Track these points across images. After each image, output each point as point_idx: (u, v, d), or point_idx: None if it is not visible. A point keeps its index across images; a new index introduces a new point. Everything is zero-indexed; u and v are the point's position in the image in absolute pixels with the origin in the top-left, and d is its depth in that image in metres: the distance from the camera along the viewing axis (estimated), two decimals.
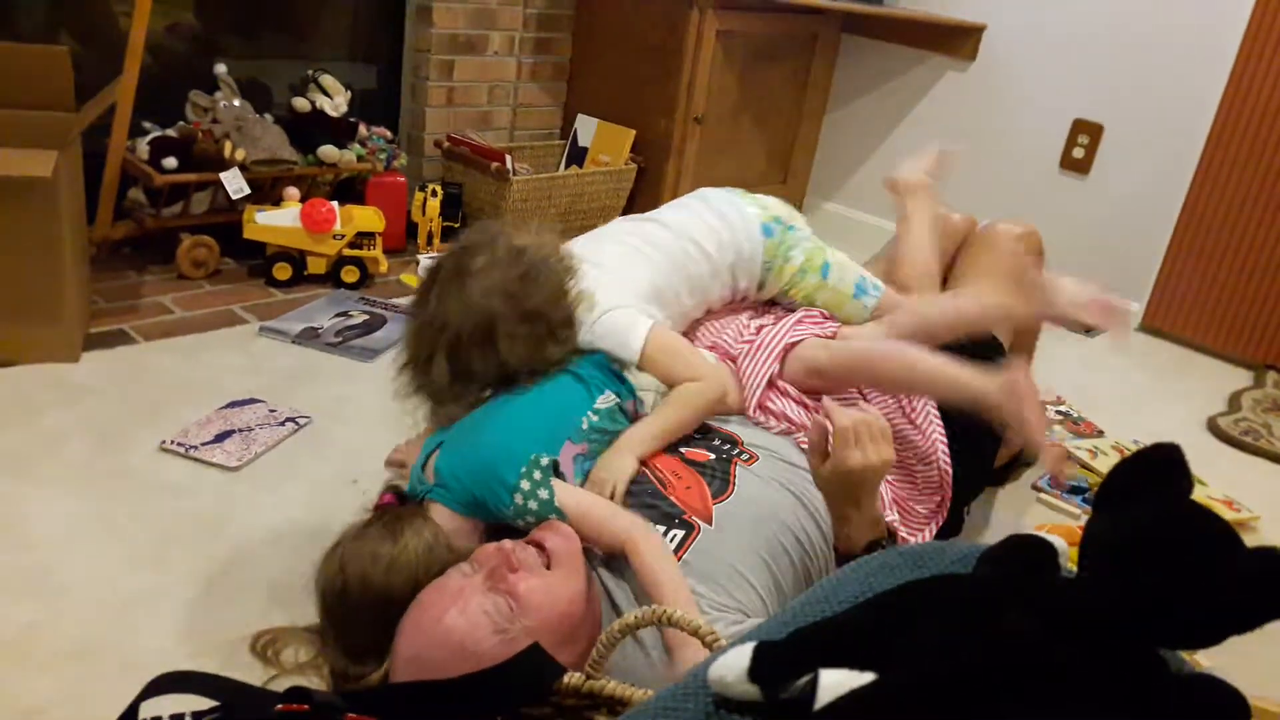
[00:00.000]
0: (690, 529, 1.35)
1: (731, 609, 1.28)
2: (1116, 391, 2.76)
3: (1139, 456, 0.62)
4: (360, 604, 1.24)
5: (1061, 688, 0.52)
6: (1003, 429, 1.59)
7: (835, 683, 0.54)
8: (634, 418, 1.57)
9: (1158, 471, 0.60)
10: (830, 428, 1.29)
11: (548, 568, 1.24)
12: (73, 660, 1.35)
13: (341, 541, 1.31)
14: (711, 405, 1.56)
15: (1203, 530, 0.54)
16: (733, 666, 0.59)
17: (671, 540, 1.34)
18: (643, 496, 1.41)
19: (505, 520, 1.36)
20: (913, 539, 1.61)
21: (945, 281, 1.94)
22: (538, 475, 1.35)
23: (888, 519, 1.54)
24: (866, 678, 0.54)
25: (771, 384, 1.67)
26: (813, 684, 0.55)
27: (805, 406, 1.65)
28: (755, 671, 0.58)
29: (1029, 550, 0.63)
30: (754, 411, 1.65)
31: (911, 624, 0.57)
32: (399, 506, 1.39)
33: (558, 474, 1.39)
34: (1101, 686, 0.52)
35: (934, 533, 1.65)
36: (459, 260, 1.46)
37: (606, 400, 1.52)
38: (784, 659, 0.58)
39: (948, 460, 1.65)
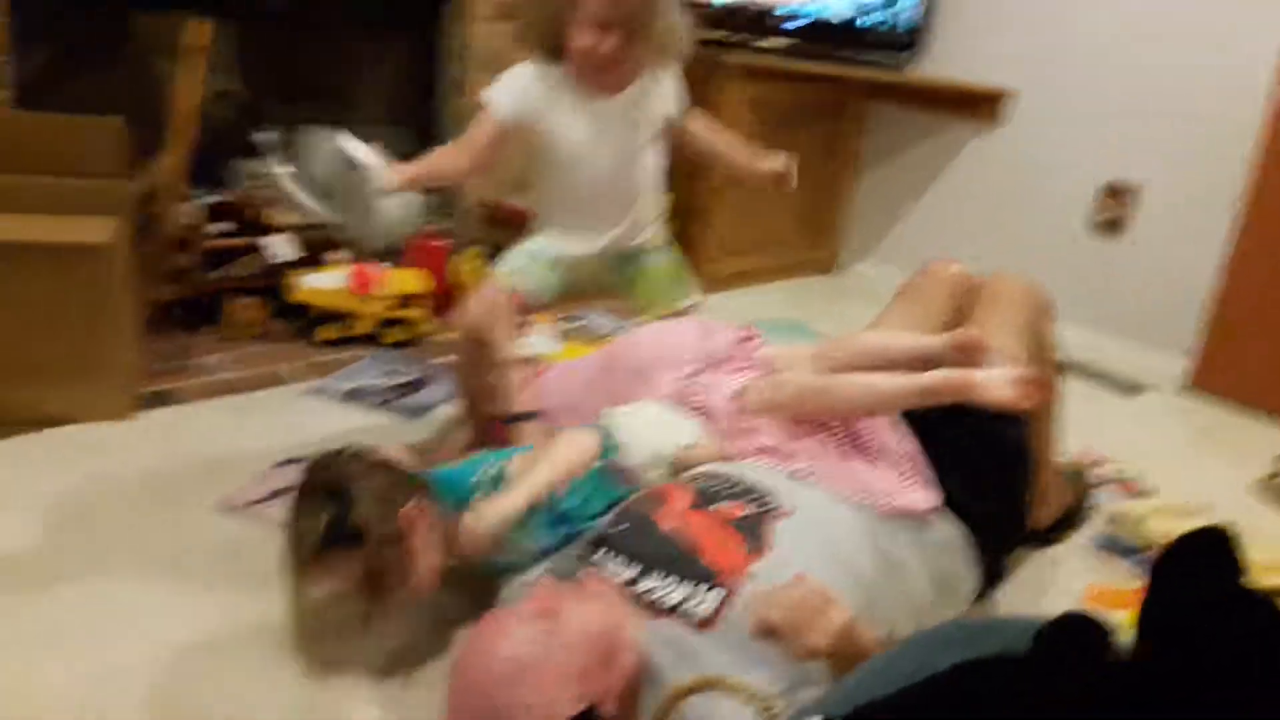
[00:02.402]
0: (728, 591, 1.34)
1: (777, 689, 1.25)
2: (1163, 452, 2.74)
3: (1189, 539, 0.64)
4: None
5: None
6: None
7: None
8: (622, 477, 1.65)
9: (1208, 555, 0.62)
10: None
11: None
12: (141, 716, 1.38)
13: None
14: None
15: (1255, 614, 0.55)
16: None
17: (711, 599, 1.32)
18: (675, 559, 1.38)
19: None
20: (913, 494, 1.63)
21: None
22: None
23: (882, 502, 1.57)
24: None
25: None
26: None
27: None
28: None
29: (1083, 630, 0.64)
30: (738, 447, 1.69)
31: (970, 704, 0.58)
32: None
33: None
34: None
35: (927, 487, 1.66)
36: None
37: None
38: None
39: (908, 437, 1.70)
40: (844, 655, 1.25)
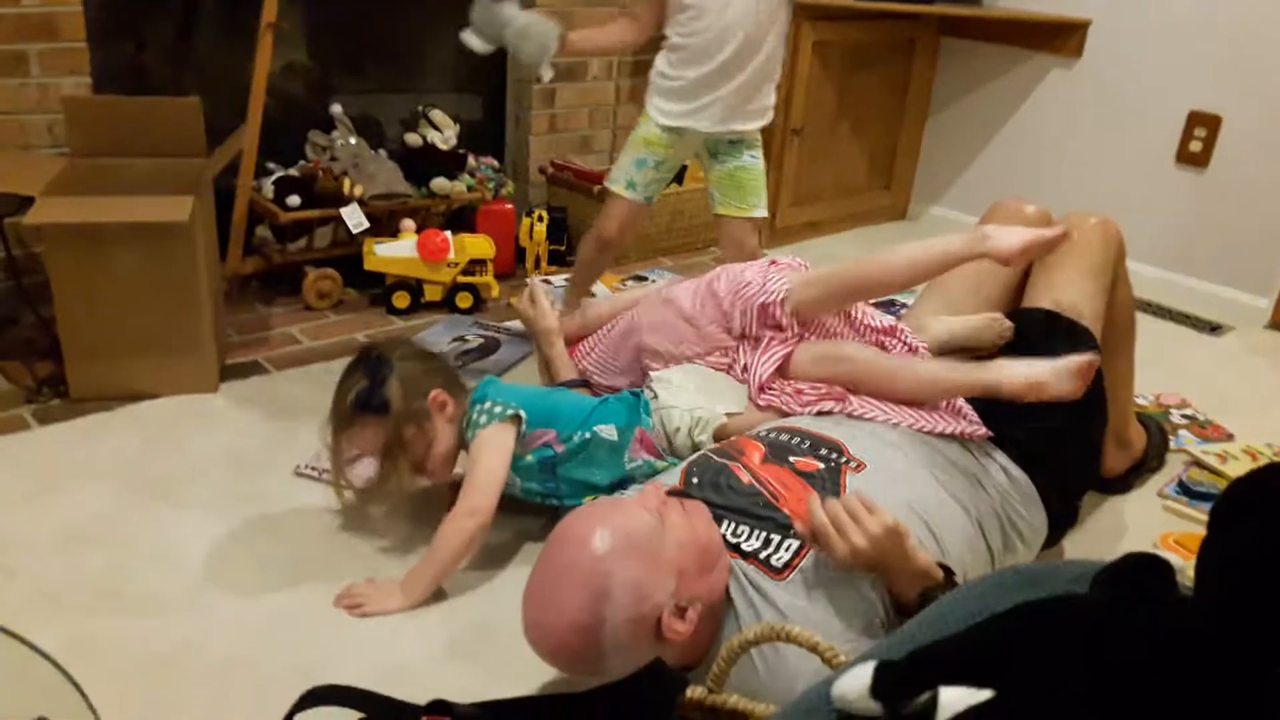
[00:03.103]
0: (803, 542, 1.36)
1: (842, 638, 1.27)
2: (1246, 392, 2.66)
3: (1255, 475, 0.63)
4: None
5: (1176, 709, 0.53)
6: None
7: (955, 700, 0.57)
8: (645, 447, 1.76)
9: (1274, 491, 0.60)
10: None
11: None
12: (221, 676, 1.45)
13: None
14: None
15: None
16: (854, 684, 0.61)
17: (786, 550, 1.36)
18: (755, 509, 1.42)
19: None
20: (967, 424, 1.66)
21: (1025, 274, 1.92)
22: (488, 408, 1.71)
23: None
24: (984, 695, 0.56)
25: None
26: (933, 701, 0.58)
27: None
28: (877, 688, 0.61)
29: (1145, 570, 0.64)
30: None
31: (1027, 644, 0.59)
32: None
33: (523, 433, 1.71)
34: (1218, 708, 0.53)
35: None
36: None
37: (606, 431, 1.74)
38: (905, 676, 0.61)
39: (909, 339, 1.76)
40: (893, 567, 1.28)
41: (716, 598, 1.31)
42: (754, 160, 2.38)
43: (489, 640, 1.54)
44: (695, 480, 1.50)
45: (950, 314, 1.89)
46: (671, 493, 1.44)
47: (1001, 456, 1.63)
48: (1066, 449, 1.69)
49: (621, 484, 1.75)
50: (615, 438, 1.75)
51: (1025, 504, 1.64)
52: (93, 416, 2.11)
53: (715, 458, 1.54)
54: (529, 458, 1.73)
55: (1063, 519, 1.74)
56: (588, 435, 1.74)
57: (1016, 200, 1.99)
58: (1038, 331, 1.77)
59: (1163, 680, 0.54)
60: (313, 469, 1.96)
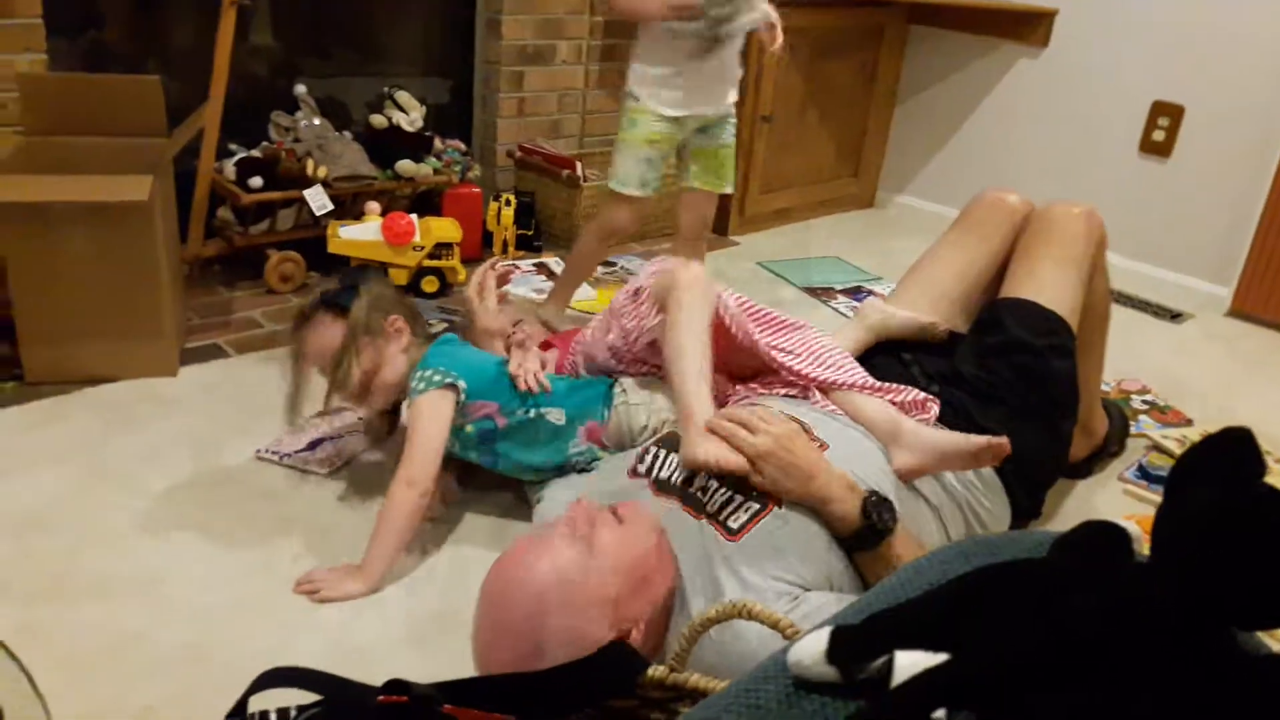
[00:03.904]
0: (764, 505, 1.39)
1: (787, 582, 1.33)
2: (1206, 378, 2.69)
3: (1208, 442, 0.63)
4: None
5: (1130, 672, 0.53)
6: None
7: (910, 663, 0.56)
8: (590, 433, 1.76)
9: (1227, 456, 0.60)
10: None
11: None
12: (180, 663, 1.43)
13: None
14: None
15: (1273, 513, 0.54)
16: (811, 650, 0.61)
17: (745, 512, 1.39)
18: (723, 475, 1.44)
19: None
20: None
21: (1007, 263, 1.92)
22: (427, 375, 1.71)
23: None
24: (940, 658, 0.56)
25: None
26: (888, 665, 0.57)
27: None
28: (833, 653, 0.60)
29: (1102, 536, 0.64)
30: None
31: (983, 607, 0.59)
32: None
33: (461, 402, 1.71)
34: (1171, 670, 0.53)
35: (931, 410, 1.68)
36: None
37: (554, 415, 1.75)
38: (860, 641, 0.60)
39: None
40: (814, 478, 1.36)
41: (660, 604, 1.31)
42: (733, 138, 2.45)
43: (451, 624, 1.53)
44: (663, 450, 1.54)
45: (930, 300, 1.90)
46: (657, 441, 1.51)
47: None
48: (1035, 444, 1.70)
49: (559, 470, 1.76)
50: (561, 423, 1.75)
51: (989, 495, 1.65)
52: (49, 400, 2.07)
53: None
54: (469, 428, 1.74)
55: (1027, 510, 1.75)
56: (531, 415, 1.74)
57: (998, 190, 1.99)
58: (1013, 322, 1.77)
59: (1117, 642, 0.54)
60: (273, 453, 1.93)
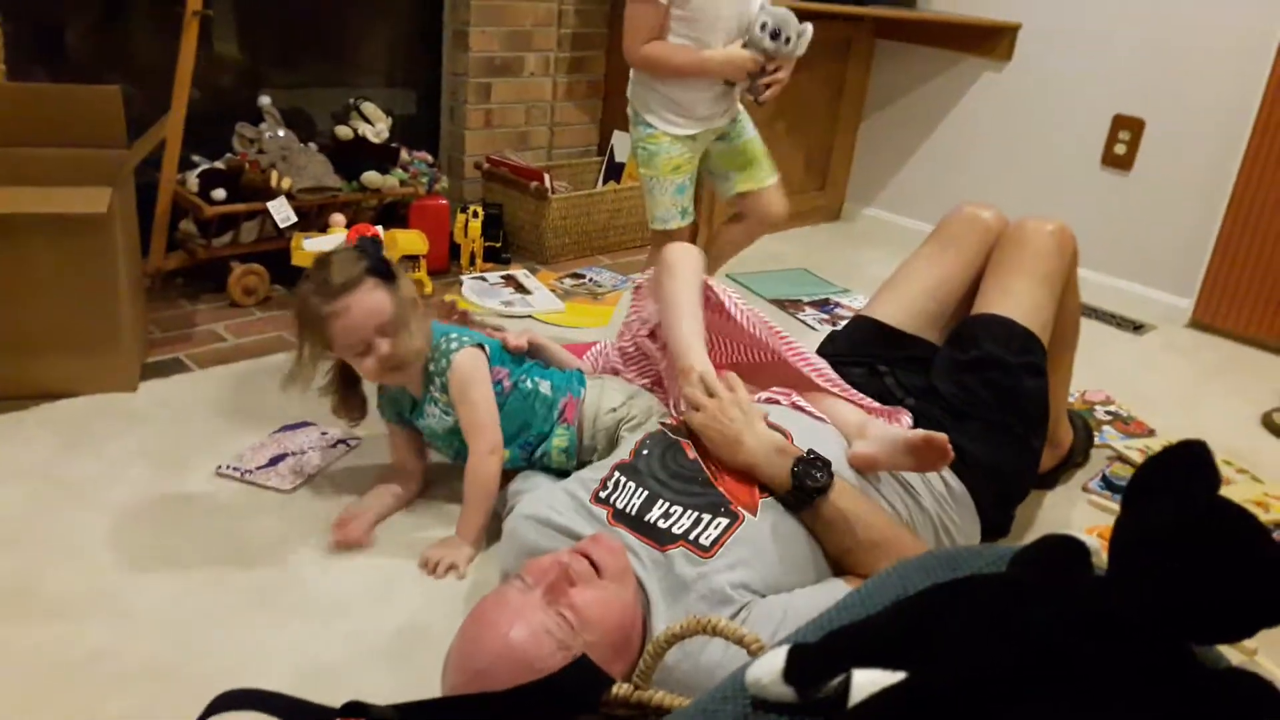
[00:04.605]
0: (734, 518, 1.38)
1: (755, 589, 1.32)
2: (1168, 389, 2.72)
3: (1164, 454, 0.63)
4: None
5: (1088, 685, 0.53)
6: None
7: (867, 682, 0.56)
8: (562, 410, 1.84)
9: (1183, 469, 0.61)
10: None
11: (599, 578, 1.28)
12: (140, 681, 1.40)
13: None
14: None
15: (1229, 525, 0.54)
16: (768, 669, 0.60)
17: (715, 528, 1.37)
18: (692, 485, 1.44)
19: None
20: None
21: (980, 279, 1.93)
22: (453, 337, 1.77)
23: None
24: (898, 677, 0.56)
25: None
26: (845, 684, 0.57)
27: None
28: (790, 673, 0.60)
29: (1060, 550, 0.64)
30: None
31: (941, 624, 0.58)
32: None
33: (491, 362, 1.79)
34: (1129, 683, 0.53)
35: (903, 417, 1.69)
36: None
37: (544, 386, 1.84)
38: (818, 660, 0.60)
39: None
40: (720, 444, 1.45)
41: (634, 655, 1.29)
42: (754, 129, 2.41)
43: (420, 641, 1.51)
44: (645, 452, 1.53)
45: (906, 313, 1.90)
46: (620, 466, 1.49)
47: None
48: (1007, 460, 1.71)
49: (535, 447, 1.82)
50: (550, 394, 1.83)
51: (960, 513, 1.65)
52: (5, 416, 2.03)
53: (669, 434, 1.57)
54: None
55: (998, 526, 1.76)
56: (529, 384, 1.82)
57: (973, 205, 1.98)
58: (988, 338, 1.77)
59: (1077, 654, 0.53)
60: (234, 469, 1.90)
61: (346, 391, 1.85)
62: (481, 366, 1.76)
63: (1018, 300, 1.81)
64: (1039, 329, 1.79)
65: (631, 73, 2.30)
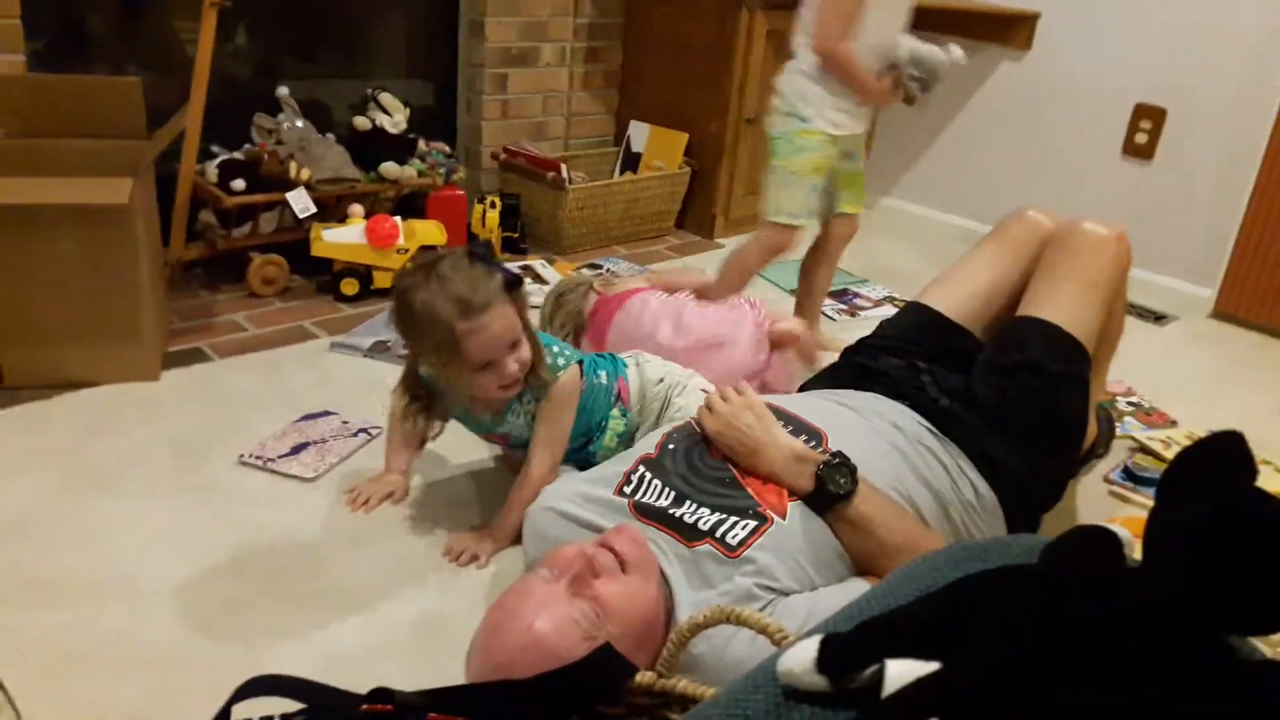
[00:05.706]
0: (763, 521, 1.37)
1: (780, 589, 1.31)
2: (1190, 380, 2.70)
3: (1200, 446, 0.63)
4: None
5: (1126, 676, 0.52)
6: None
7: (901, 672, 0.56)
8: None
9: (1219, 460, 0.60)
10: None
11: (623, 571, 1.28)
12: (160, 666, 1.41)
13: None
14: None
15: (1265, 517, 0.54)
16: (801, 659, 0.60)
17: (743, 529, 1.36)
18: (719, 486, 1.43)
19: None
20: None
21: (1028, 282, 1.89)
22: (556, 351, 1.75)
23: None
24: (931, 667, 0.55)
25: None
26: (879, 674, 0.57)
27: None
28: (823, 663, 0.60)
29: (1093, 541, 0.64)
30: None
31: (974, 615, 0.58)
32: None
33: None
34: (1165, 674, 0.53)
35: None
36: None
37: (601, 376, 1.84)
38: (851, 650, 0.60)
39: None
40: (739, 450, 1.46)
41: (658, 648, 1.28)
42: (861, 157, 2.44)
43: (439, 631, 1.52)
44: (671, 447, 1.52)
45: (958, 308, 1.89)
46: (645, 461, 1.48)
47: (973, 473, 1.61)
48: (1039, 469, 1.68)
49: (587, 440, 1.82)
50: (605, 382, 1.84)
51: (988, 521, 1.63)
52: (29, 405, 2.04)
53: (696, 428, 1.55)
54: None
55: (1026, 531, 1.74)
56: (596, 380, 1.82)
57: (1036, 211, 1.94)
58: (1034, 344, 1.72)
59: (1113, 647, 0.53)
60: (257, 458, 1.91)
61: (430, 403, 1.77)
62: (579, 389, 1.76)
63: (1070, 309, 1.75)
64: (1086, 338, 1.73)
65: (796, 64, 2.26)
